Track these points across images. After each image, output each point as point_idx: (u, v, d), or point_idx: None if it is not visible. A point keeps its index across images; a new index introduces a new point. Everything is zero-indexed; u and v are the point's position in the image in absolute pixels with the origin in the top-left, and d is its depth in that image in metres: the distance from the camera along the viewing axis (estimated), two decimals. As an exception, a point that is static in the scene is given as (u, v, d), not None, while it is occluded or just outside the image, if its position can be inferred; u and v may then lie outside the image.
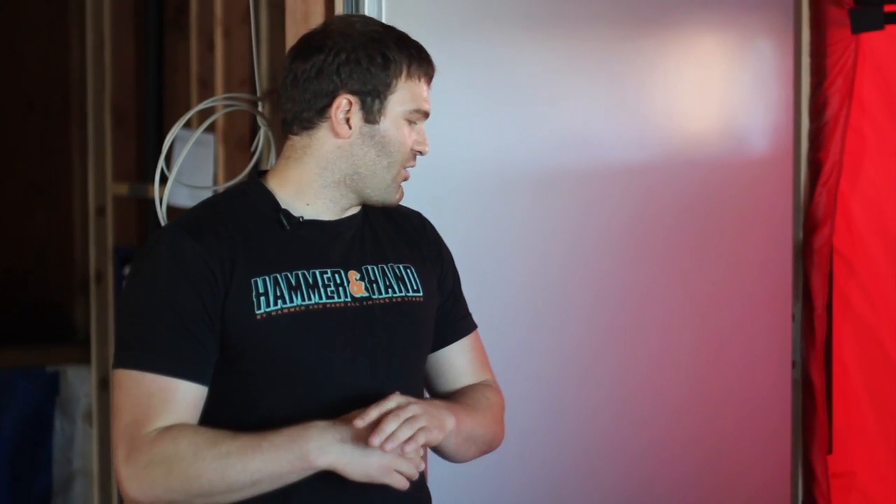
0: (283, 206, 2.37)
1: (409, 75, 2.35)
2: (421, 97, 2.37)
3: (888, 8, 3.60)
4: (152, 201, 3.12)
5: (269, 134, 3.29)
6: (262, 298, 2.28)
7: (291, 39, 3.05)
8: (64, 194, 5.28)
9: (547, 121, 3.14)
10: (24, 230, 5.34)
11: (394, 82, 2.34)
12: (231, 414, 2.29)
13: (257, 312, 2.27)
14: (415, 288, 2.44)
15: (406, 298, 2.42)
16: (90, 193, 4.71)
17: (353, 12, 2.81)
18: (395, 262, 2.44)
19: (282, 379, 2.29)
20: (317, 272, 2.34)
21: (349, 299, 2.35)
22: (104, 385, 4.65)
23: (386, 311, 2.38)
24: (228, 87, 3.92)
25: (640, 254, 3.31)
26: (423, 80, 2.38)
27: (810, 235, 3.72)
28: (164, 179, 3.13)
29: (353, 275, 2.37)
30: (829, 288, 3.73)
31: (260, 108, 3.44)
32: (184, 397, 2.24)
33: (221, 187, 3.85)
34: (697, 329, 3.44)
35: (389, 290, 2.40)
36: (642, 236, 3.31)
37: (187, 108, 3.86)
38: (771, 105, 3.59)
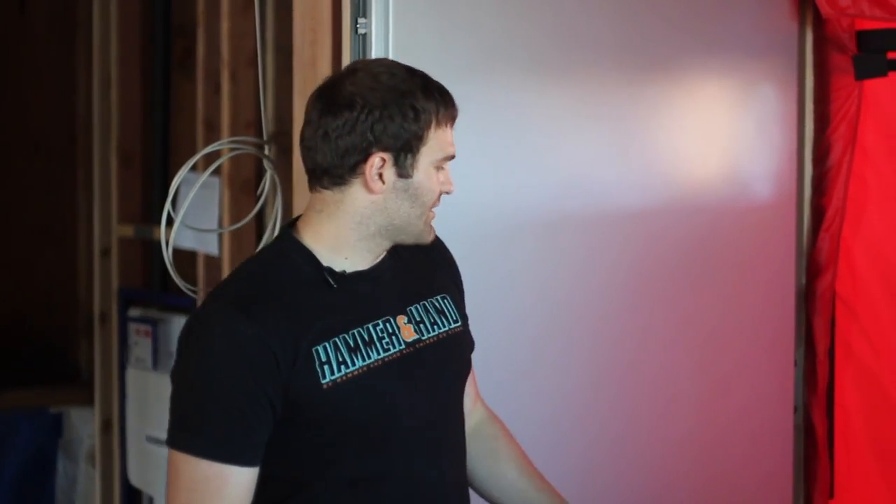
0: (324, 262, 2.35)
1: (437, 124, 2.33)
2: (448, 143, 2.36)
3: (892, 55, 3.62)
4: (157, 243, 3.13)
5: (276, 177, 3.30)
6: (326, 367, 2.27)
7: (298, 83, 3.06)
8: (69, 235, 5.27)
9: (551, 165, 3.15)
10: (28, 271, 5.34)
11: (425, 134, 2.31)
12: (299, 471, 2.33)
13: (323, 382, 2.26)
14: (454, 318, 2.49)
15: (450, 332, 2.46)
16: (95, 235, 4.70)
17: (360, 58, 2.81)
18: (433, 296, 2.48)
19: (354, 437, 2.31)
20: (370, 326, 2.34)
21: (403, 346, 2.37)
22: (107, 427, 4.64)
23: (435, 349, 2.42)
24: (234, 130, 3.93)
25: (643, 298, 3.32)
26: (448, 125, 2.36)
27: (813, 281, 3.73)
28: (170, 222, 3.15)
29: (402, 319, 2.39)
30: (832, 333, 3.74)
31: (266, 152, 3.45)
32: (237, 482, 2.24)
33: (226, 230, 3.87)
34: (699, 374, 3.44)
35: (435, 327, 2.43)
36: (645, 281, 3.32)
37: (193, 151, 3.88)
38: (774, 151, 3.61)
